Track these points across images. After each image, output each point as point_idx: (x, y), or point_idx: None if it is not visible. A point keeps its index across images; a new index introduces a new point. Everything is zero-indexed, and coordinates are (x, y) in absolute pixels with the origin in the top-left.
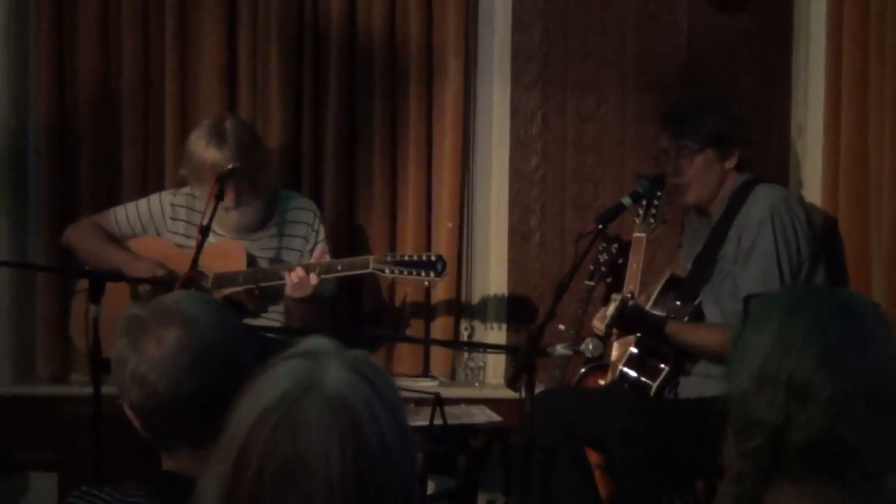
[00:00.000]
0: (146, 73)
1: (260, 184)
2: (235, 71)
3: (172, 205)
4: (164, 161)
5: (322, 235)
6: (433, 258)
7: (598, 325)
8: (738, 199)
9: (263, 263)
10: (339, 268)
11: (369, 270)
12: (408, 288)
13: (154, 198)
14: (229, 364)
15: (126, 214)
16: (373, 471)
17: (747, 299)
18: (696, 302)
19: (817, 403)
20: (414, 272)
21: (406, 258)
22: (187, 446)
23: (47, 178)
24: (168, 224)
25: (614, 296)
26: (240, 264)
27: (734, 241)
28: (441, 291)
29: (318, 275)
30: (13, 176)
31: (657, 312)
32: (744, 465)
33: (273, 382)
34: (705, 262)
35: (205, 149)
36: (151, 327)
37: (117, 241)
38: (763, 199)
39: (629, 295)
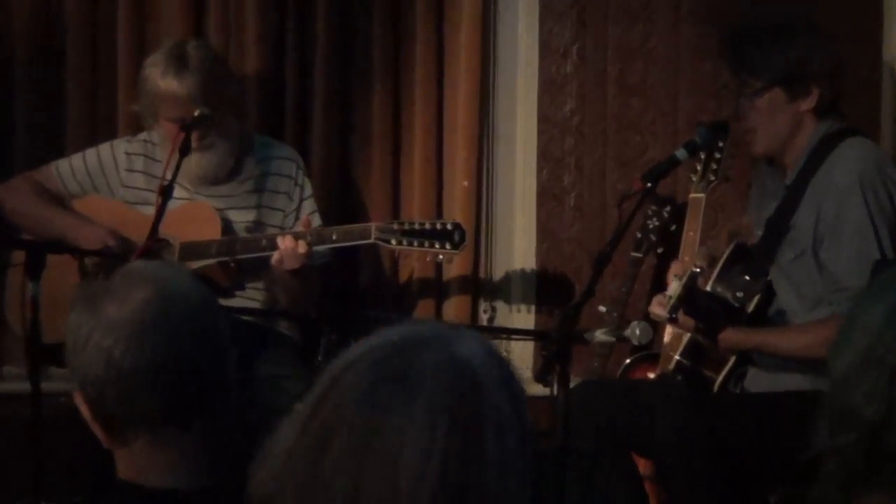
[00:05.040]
0: None
1: (227, 123)
2: None
3: (127, 153)
4: (117, 102)
5: (308, 191)
6: (449, 226)
7: (659, 311)
8: (819, 155)
9: (239, 226)
10: (334, 237)
11: (371, 241)
12: (415, 261)
13: (104, 147)
14: (199, 335)
15: (71, 168)
16: (481, 468)
17: (878, 264)
18: (769, 277)
19: None
20: (426, 244)
21: (416, 226)
22: (146, 432)
23: None
24: (123, 177)
25: (676, 272)
26: (213, 231)
27: (812, 207)
28: (456, 265)
29: (309, 244)
30: None
31: (723, 293)
32: (830, 464)
33: (390, 331)
34: (778, 229)
35: (161, 77)
36: (114, 289)
37: (61, 201)
38: (848, 160)
39: (697, 270)
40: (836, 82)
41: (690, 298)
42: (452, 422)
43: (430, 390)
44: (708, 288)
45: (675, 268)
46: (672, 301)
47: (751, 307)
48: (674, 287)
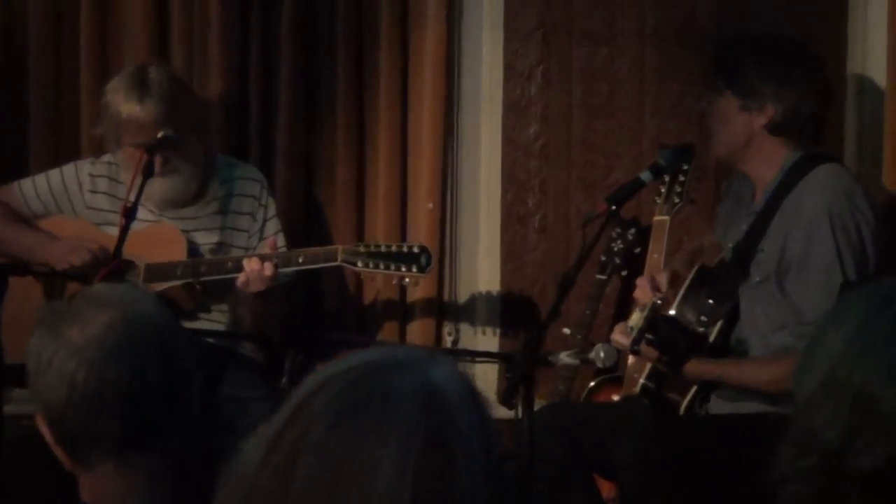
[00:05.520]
0: (58, 11)
1: (191, 146)
2: (167, 10)
3: (91, 175)
4: (80, 121)
5: (272, 211)
6: (415, 249)
7: (621, 339)
8: (790, 180)
9: (204, 247)
10: (300, 260)
11: (337, 263)
12: (380, 283)
13: (69, 168)
14: (163, 359)
15: (35, 188)
16: (452, 493)
17: (844, 286)
18: (734, 301)
19: (883, 424)
20: (392, 267)
21: (383, 249)
22: (110, 457)
23: None
24: (87, 198)
25: (641, 303)
26: (178, 253)
27: (780, 234)
28: (420, 287)
29: (275, 265)
30: None
31: (686, 317)
32: (793, 487)
33: (363, 352)
34: (745, 254)
35: (124, 102)
36: (77, 312)
37: (26, 220)
38: (818, 189)
39: (659, 301)
40: (799, 111)
41: (653, 330)
42: (426, 445)
43: (404, 414)
44: (672, 311)
45: (639, 284)
46: (634, 333)
47: (713, 334)
48: (635, 318)
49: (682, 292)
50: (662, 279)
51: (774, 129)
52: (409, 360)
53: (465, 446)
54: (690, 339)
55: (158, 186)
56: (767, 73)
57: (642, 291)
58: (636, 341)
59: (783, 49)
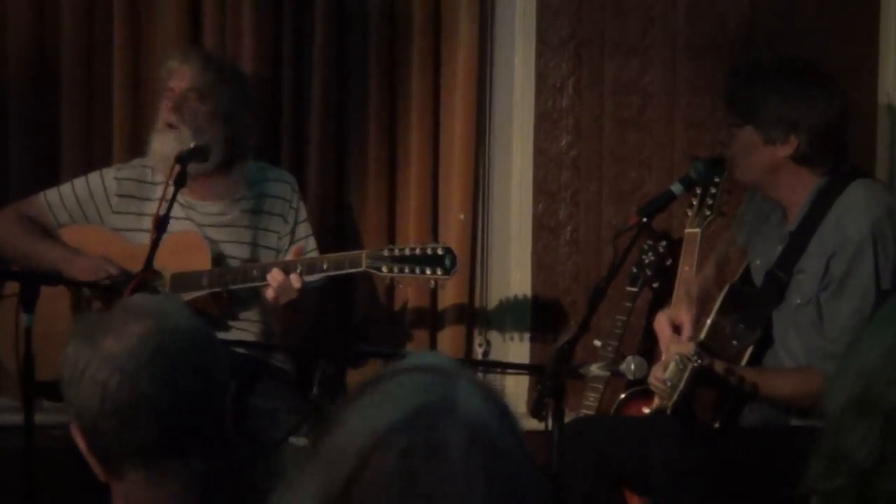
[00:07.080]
0: (91, 8)
1: (222, 115)
2: (199, 12)
3: (117, 179)
4: (112, 128)
5: (303, 214)
6: (440, 251)
7: (659, 386)
8: (824, 198)
9: (232, 248)
10: (325, 266)
11: (362, 269)
12: (409, 289)
13: (93, 175)
14: (197, 369)
15: (60, 197)
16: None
17: (885, 293)
18: (765, 325)
19: None
20: (417, 270)
21: (407, 252)
22: (142, 466)
23: None
24: (114, 203)
25: (678, 356)
26: (203, 261)
27: (822, 255)
28: (451, 297)
29: (301, 275)
30: None
31: (720, 342)
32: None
33: (398, 397)
34: (782, 276)
35: (169, 59)
36: (113, 322)
37: (51, 234)
38: (858, 209)
39: (696, 360)
40: (824, 137)
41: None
42: (487, 484)
43: (462, 463)
44: (702, 336)
45: (658, 327)
46: (675, 396)
47: (745, 358)
48: (672, 371)
49: (712, 316)
50: (685, 319)
51: (801, 158)
52: (445, 400)
53: (520, 466)
54: (730, 394)
55: (168, 140)
56: (789, 106)
57: (664, 335)
58: (677, 405)
59: (800, 75)
